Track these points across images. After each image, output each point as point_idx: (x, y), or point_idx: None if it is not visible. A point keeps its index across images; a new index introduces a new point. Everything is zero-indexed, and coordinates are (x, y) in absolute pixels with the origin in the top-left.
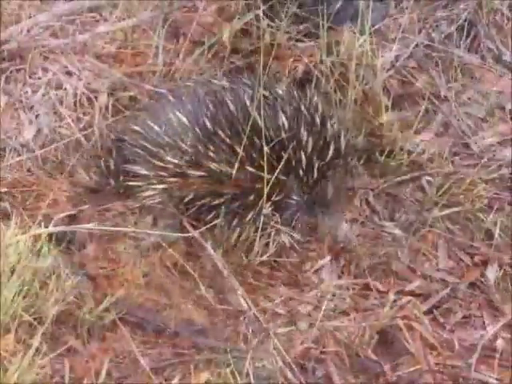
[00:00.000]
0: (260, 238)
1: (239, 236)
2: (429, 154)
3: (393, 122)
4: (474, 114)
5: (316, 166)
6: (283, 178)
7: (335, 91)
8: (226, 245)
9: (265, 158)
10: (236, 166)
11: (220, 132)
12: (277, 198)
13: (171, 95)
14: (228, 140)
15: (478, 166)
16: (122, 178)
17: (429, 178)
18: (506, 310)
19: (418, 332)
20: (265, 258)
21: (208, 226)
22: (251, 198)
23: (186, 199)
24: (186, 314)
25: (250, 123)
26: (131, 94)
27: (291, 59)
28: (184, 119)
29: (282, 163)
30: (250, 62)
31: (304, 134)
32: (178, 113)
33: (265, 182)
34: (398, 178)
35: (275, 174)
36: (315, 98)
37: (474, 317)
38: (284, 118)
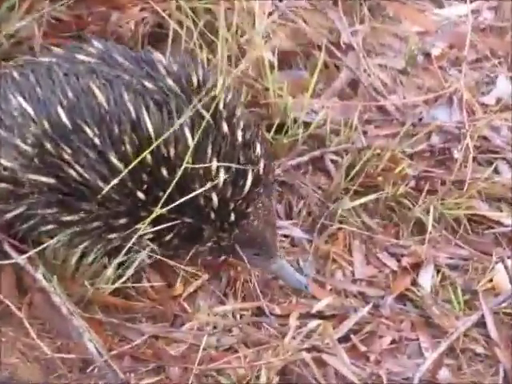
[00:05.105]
0: (111, 258)
1: (81, 258)
2: (332, 125)
3: (281, 85)
4: (390, 65)
5: (232, 206)
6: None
7: (201, 48)
8: (63, 271)
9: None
10: (112, 180)
11: (87, 129)
12: (167, 238)
13: (16, 71)
14: (98, 142)
15: (399, 136)
16: None
17: (334, 158)
18: (448, 327)
19: (331, 368)
20: (118, 284)
21: (40, 248)
22: (121, 221)
23: (14, 213)
24: (9, 370)
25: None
26: None
27: (138, 7)
28: (28, 107)
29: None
30: (81, 15)
31: (213, 160)
32: (20, 97)
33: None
34: (293, 161)
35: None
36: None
37: (407, 340)
38: (187, 131)
